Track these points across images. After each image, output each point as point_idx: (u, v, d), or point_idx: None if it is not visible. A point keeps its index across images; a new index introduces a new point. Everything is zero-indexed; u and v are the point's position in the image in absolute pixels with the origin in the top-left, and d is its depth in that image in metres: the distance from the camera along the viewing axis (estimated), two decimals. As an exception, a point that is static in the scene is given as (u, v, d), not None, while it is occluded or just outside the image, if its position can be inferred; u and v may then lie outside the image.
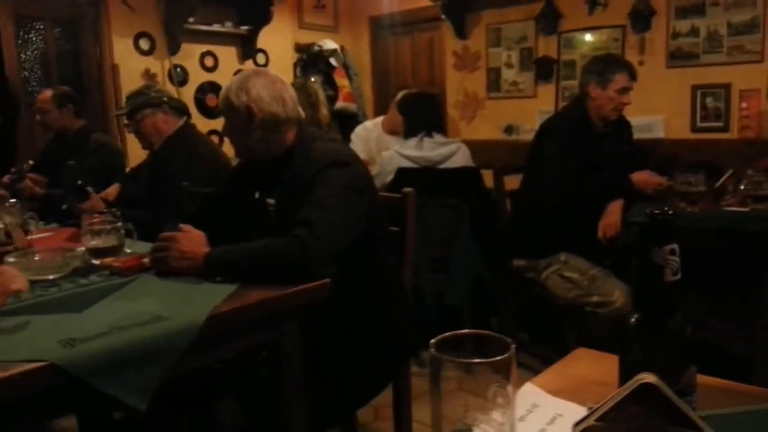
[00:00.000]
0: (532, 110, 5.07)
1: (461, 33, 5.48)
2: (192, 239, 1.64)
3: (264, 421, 1.68)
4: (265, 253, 1.57)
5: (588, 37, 4.77)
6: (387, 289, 1.91)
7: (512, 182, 3.10)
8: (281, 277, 1.52)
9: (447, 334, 0.63)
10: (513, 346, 0.61)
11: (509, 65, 5.25)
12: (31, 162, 3.23)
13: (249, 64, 5.65)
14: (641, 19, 4.43)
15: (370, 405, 2.19)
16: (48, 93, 3.45)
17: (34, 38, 4.66)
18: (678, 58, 4.34)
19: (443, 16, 5.42)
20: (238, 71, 5.47)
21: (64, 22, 4.78)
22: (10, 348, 1.15)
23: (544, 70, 4.99)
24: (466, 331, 0.65)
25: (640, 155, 3.13)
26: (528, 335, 3.22)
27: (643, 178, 2.75)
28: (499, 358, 0.60)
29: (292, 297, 1.50)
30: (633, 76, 2.83)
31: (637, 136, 3.20)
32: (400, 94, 4.26)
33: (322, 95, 3.21)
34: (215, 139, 5.16)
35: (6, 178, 3.17)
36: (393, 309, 1.91)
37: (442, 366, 0.61)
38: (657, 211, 0.73)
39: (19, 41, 4.57)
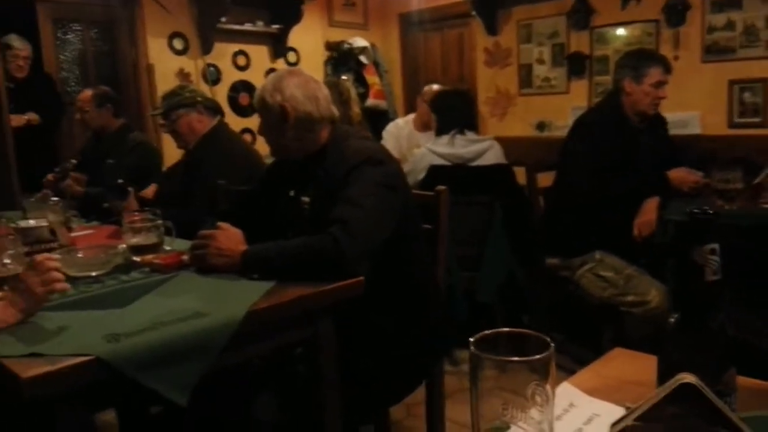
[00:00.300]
0: (565, 106, 5.02)
1: (492, 29, 5.45)
2: (230, 237, 1.67)
3: (300, 415, 1.71)
4: (300, 250, 1.59)
5: (621, 32, 4.71)
6: (420, 287, 1.92)
7: (545, 179, 3.08)
8: (316, 274, 1.55)
9: (486, 332, 0.64)
10: (552, 345, 0.62)
11: (541, 61, 5.20)
12: (74, 161, 3.32)
13: (280, 63, 5.70)
14: (676, 13, 4.35)
15: (403, 402, 2.21)
16: (88, 92, 3.53)
17: (72, 39, 4.78)
18: (714, 52, 4.26)
19: (473, 13, 5.40)
20: (270, 70, 5.58)
21: (101, 23, 4.88)
22: (57, 343, 1.19)
23: (577, 65, 4.94)
24: (505, 329, 0.65)
25: (676, 152, 3.08)
26: (561, 334, 3.20)
27: (679, 175, 2.71)
28: (538, 357, 0.60)
29: (327, 294, 1.52)
30: (668, 69, 2.79)
31: (672, 132, 3.16)
32: (426, 88, 4.28)
33: (353, 93, 3.23)
34: (248, 137, 5.23)
35: (50, 177, 3.26)
36: (426, 306, 1.92)
37: (481, 364, 0.62)
38: (697, 210, 0.72)
39: (58, 42, 4.69)
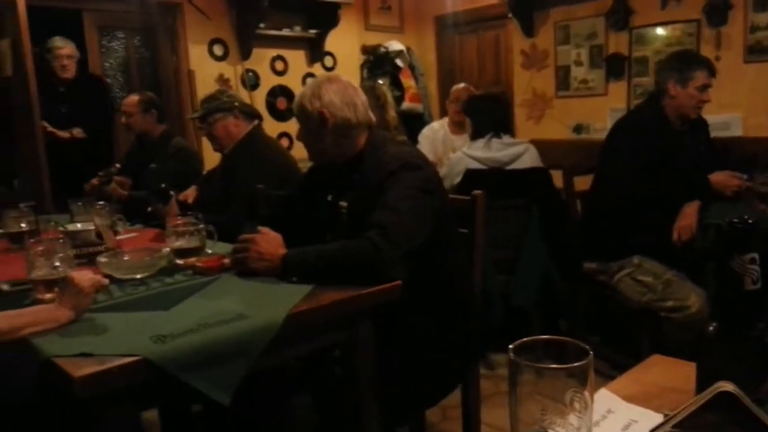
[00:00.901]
0: (603, 108, 4.96)
1: (529, 31, 5.42)
2: (270, 241, 1.70)
3: (336, 416, 1.74)
4: (339, 254, 1.62)
5: (661, 32, 4.64)
6: (456, 291, 1.93)
7: (582, 182, 3.06)
8: (354, 278, 1.57)
9: (525, 339, 0.66)
10: (591, 353, 0.63)
11: (578, 63, 5.16)
12: (117, 165, 3.41)
13: (317, 67, 5.77)
14: (717, 12, 4.27)
15: (439, 405, 2.22)
16: (135, 98, 3.62)
17: (116, 47, 4.92)
18: (757, 52, 4.16)
19: (510, 15, 5.38)
20: (307, 74, 5.64)
21: (143, 30, 5.01)
22: (105, 343, 1.24)
23: (615, 67, 4.88)
24: (543, 336, 0.66)
25: (718, 155, 3.03)
26: (599, 339, 3.17)
27: (721, 178, 2.67)
28: (577, 364, 0.61)
29: (365, 298, 1.55)
30: (713, 72, 2.74)
31: (713, 134, 3.10)
32: (453, 88, 4.28)
33: (390, 97, 3.25)
34: (285, 141, 5.31)
35: (95, 181, 3.36)
36: (462, 310, 1.93)
37: (520, 370, 0.63)
38: (736, 220, 0.72)
39: (103, 50, 4.83)
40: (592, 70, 5.08)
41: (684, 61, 2.77)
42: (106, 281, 1.45)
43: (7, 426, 1.47)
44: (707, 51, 4.15)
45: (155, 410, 2.50)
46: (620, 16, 4.78)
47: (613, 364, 2.47)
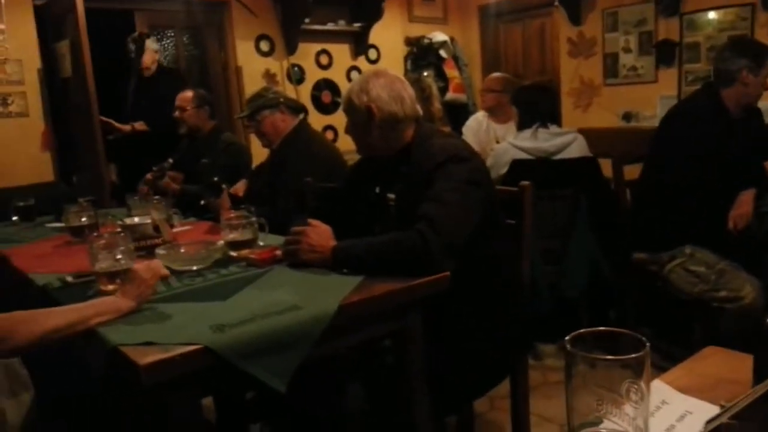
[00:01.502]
0: (653, 96, 4.86)
1: (575, 19, 5.34)
2: (320, 233, 1.74)
3: (387, 405, 1.77)
4: (388, 247, 1.65)
5: (713, 16, 4.52)
6: (504, 281, 1.94)
7: (632, 171, 3.01)
8: (403, 269, 1.59)
9: (581, 330, 0.67)
10: (647, 344, 0.64)
11: (627, 50, 5.06)
12: (170, 160, 3.51)
13: (361, 60, 5.80)
14: (774, -5, 4.14)
15: (487, 396, 2.23)
16: (189, 93, 3.71)
17: (166, 45, 5.04)
18: (815, 35, 4.02)
19: (556, 3, 5.31)
20: (351, 67, 5.68)
21: (192, 28, 5.12)
22: (168, 332, 1.29)
23: (666, 53, 4.77)
24: (599, 328, 0.67)
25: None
26: (650, 330, 3.12)
27: (777, 166, 2.60)
28: (633, 355, 0.62)
29: (415, 288, 1.57)
30: None
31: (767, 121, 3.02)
32: (487, 78, 4.24)
33: (435, 89, 3.26)
34: (330, 134, 5.37)
35: (149, 176, 3.46)
36: (510, 301, 1.94)
37: (576, 361, 0.65)
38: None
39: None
40: (642, 57, 4.97)
41: (757, 49, 2.70)
42: (167, 272, 1.50)
43: (76, 414, 1.55)
44: (762, 35, 4.03)
45: (210, 397, 2.58)
46: (670, 2, 4.67)
47: (665, 355, 2.43)
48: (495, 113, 3.94)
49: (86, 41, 3.95)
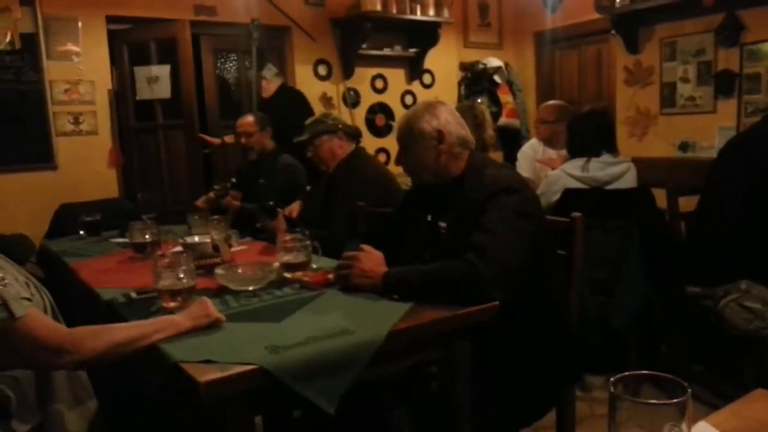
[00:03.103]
0: (711, 126, 4.77)
1: (633, 47, 5.30)
2: (372, 259, 1.79)
3: (433, 430, 1.79)
4: (438, 275, 1.68)
5: (775, 47, 4.42)
6: (552, 312, 1.94)
7: (687, 203, 2.96)
8: (453, 298, 1.62)
9: (625, 373, 0.69)
10: (689, 390, 0.66)
11: (685, 80, 4.98)
12: (233, 180, 3.64)
13: (416, 85, 5.88)
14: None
15: (532, 427, 2.22)
16: (250, 117, 3.84)
17: (228, 68, 5.22)
18: None
19: (613, 31, 5.28)
20: (406, 92, 5.77)
21: (252, 52, 5.28)
22: (226, 351, 1.35)
23: (725, 84, 4.69)
24: (643, 372, 0.70)
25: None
26: (701, 366, 3.05)
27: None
28: (675, 401, 0.64)
29: (462, 317, 1.59)
30: None
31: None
32: (541, 107, 4.22)
33: (488, 116, 3.27)
34: (383, 157, 5.45)
35: (212, 194, 3.59)
36: (558, 331, 1.94)
37: (620, 403, 0.67)
38: None
39: (217, 71, 5.15)
40: (700, 87, 4.89)
41: None
42: (224, 320, 1.54)
43: (135, 426, 1.62)
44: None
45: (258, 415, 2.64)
46: (731, 32, 4.59)
47: (716, 392, 2.38)
48: (551, 143, 3.92)
49: (191, 66, 4.26)
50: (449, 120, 1.95)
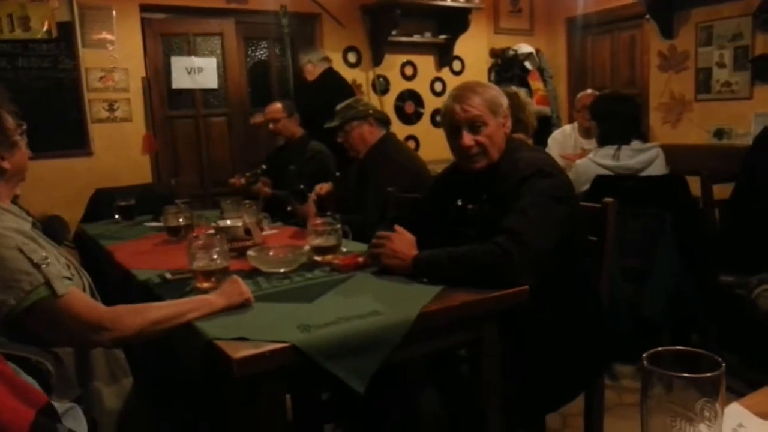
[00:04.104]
0: (747, 113, 4.67)
1: (667, 32, 5.20)
2: (404, 241, 1.80)
3: (461, 413, 1.80)
4: (469, 258, 1.68)
5: (817, 31, 4.30)
6: (583, 298, 1.93)
7: (721, 191, 2.91)
8: (483, 281, 1.63)
9: (659, 348, 0.69)
10: (723, 365, 0.65)
11: (721, 65, 4.88)
12: (264, 166, 3.68)
13: (445, 72, 5.85)
14: None
15: (560, 413, 2.22)
16: (278, 104, 3.87)
17: (259, 55, 5.26)
18: None
19: (647, 16, 5.18)
20: (435, 78, 5.74)
21: (283, 39, 5.30)
22: (259, 330, 1.38)
23: (762, 69, 4.58)
24: (678, 347, 0.69)
25: None
26: (734, 356, 3.01)
27: None
28: (708, 374, 0.64)
29: (492, 301, 1.60)
30: None
31: None
32: (580, 95, 4.17)
33: (531, 104, 3.23)
34: (411, 143, 5.44)
35: (243, 180, 3.64)
36: (589, 317, 1.93)
37: (652, 379, 0.67)
38: None
39: (248, 58, 5.18)
40: (737, 72, 4.79)
41: None
42: (253, 300, 1.57)
43: (172, 400, 1.66)
44: None
45: (287, 395, 2.67)
46: (769, 15, 4.48)
47: (749, 382, 2.35)
48: (589, 133, 3.85)
49: (240, 58, 4.52)
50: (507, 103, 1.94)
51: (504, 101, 1.92)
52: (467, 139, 1.87)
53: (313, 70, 4.53)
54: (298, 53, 4.88)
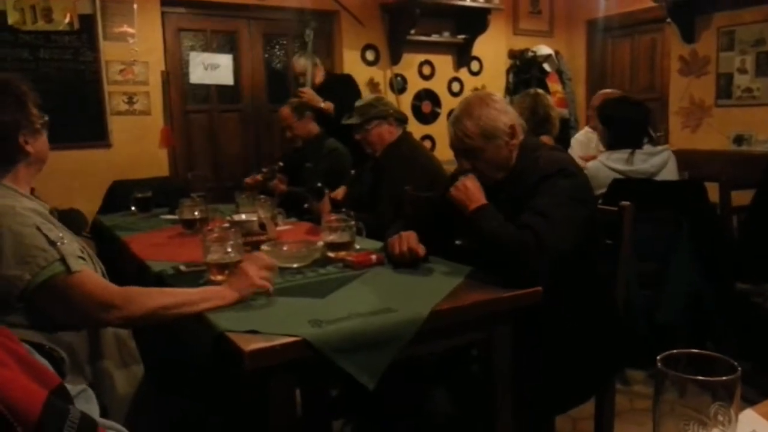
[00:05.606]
0: (768, 119, 4.61)
1: (688, 36, 5.15)
2: (479, 188, 1.82)
3: (471, 412, 1.79)
4: (506, 238, 1.69)
5: (842, 37, 4.23)
6: (599, 301, 1.92)
7: (740, 197, 2.88)
8: (501, 270, 1.64)
9: (673, 351, 0.68)
10: (738, 369, 0.64)
11: (743, 70, 4.82)
12: (281, 164, 3.68)
13: (463, 72, 5.83)
14: None
15: (569, 415, 2.20)
16: (286, 109, 3.85)
17: (277, 52, 5.27)
18: None
19: (668, 20, 5.14)
20: (453, 78, 5.72)
21: (302, 36, 5.31)
22: (270, 323, 1.38)
23: (786, 75, 4.52)
24: (693, 350, 0.69)
25: None
26: (749, 364, 2.97)
27: None
28: (724, 378, 0.63)
29: (504, 301, 1.59)
30: None
31: None
32: (596, 96, 4.11)
33: (555, 107, 3.21)
34: (428, 143, 5.43)
35: (259, 177, 3.65)
36: (603, 321, 1.91)
37: (666, 380, 0.66)
38: None
39: (266, 55, 5.19)
40: (759, 78, 4.73)
41: None
42: (275, 262, 1.61)
43: (182, 390, 1.67)
44: None
45: (297, 390, 2.68)
46: (795, 21, 4.42)
47: (763, 390, 2.32)
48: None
49: (258, 55, 4.66)
50: (512, 110, 1.92)
51: (506, 119, 1.87)
52: (464, 164, 1.92)
53: (318, 73, 4.52)
54: (317, 50, 4.85)
